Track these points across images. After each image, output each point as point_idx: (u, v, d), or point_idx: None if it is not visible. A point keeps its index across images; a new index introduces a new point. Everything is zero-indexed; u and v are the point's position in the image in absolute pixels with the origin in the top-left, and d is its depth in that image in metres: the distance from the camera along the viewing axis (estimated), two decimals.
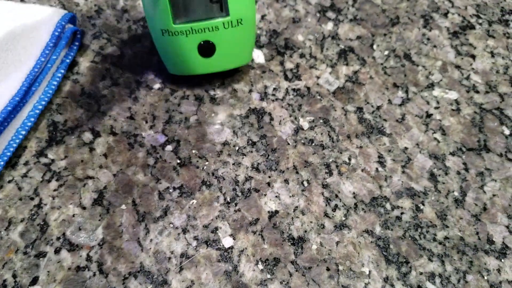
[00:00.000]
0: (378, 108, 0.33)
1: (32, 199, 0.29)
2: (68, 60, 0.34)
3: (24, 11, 0.35)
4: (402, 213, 0.29)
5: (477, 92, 0.34)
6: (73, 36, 0.35)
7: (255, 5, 0.30)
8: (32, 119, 0.31)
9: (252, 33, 0.31)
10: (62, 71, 0.34)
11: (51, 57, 0.33)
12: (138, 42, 0.36)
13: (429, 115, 0.33)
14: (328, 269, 0.27)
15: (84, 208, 0.28)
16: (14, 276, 0.26)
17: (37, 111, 0.32)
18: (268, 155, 0.31)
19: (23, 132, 0.31)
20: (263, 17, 0.37)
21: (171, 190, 0.29)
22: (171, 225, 0.28)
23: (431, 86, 0.34)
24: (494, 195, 0.30)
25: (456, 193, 0.30)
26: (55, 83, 0.33)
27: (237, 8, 0.28)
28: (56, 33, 0.34)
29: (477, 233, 0.28)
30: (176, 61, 0.31)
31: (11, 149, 0.30)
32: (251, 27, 0.30)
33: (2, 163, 0.29)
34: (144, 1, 0.28)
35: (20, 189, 0.29)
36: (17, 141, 0.30)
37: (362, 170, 0.30)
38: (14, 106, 0.31)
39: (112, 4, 0.38)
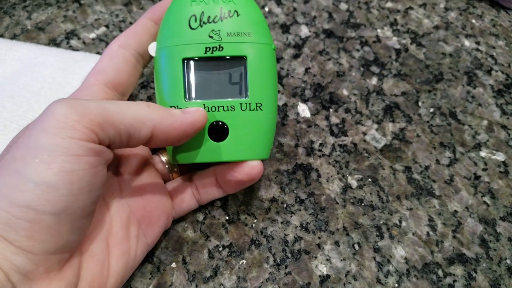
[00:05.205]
0: (427, 168, 0.33)
1: None
2: None
3: None
4: (454, 281, 0.28)
5: None
6: None
7: (277, 94, 0.28)
8: None
9: (272, 123, 0.28)
10: None
11: None
12: None
13: (477, 177, 0.33)
14: None
15: None
16: None
17: None
18: (317, 214, 0.31)
19: None
20: (307, 70, 0.38)
21: (220, 249, 0.29)
22: (222, 287, 0.28)
23: (478, 146, 0.34)
24: None
25: (508, 261, 0.29)
26: None
27: (258, 92, 0.26)
28: None
29: None
30: (182, 146, 0.27)
31: None
32: (270, 115, 0.27)
33: None
34: (156, 76, 0.27)
35: None
36: None
37: (413, 234, 0.30)
38: None
39: None
